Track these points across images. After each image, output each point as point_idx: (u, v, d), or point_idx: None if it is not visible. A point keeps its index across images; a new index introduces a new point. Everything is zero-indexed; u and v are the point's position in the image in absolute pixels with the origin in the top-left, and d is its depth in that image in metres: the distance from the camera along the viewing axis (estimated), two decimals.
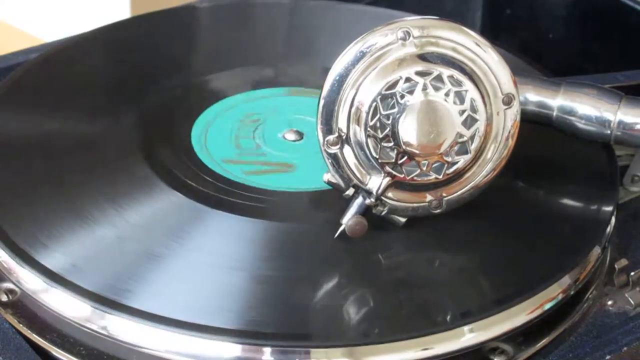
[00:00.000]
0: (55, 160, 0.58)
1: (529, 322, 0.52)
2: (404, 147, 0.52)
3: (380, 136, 0.52)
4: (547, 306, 0.52)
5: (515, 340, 0.52)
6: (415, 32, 0.52)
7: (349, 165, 0.53)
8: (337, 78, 0.52)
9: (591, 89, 0.58)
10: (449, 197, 0.54)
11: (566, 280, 0.53)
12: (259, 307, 0.50)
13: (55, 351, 0.51)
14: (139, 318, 0.49)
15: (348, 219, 0.53)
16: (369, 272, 0.53)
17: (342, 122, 0.52)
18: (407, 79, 0.51)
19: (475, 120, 0.52)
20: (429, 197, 0.54)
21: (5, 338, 0.51)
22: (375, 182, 0.53)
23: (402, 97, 0.51)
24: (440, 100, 0.51)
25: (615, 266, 0.57)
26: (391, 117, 0.52)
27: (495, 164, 0.54)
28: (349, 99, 0.52)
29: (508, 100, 0.53)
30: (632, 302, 0.55)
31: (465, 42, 0.52)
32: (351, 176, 0.53)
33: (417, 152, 0.52)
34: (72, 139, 0.60)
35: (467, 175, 0.54)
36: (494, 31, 0.83)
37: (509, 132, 0.54)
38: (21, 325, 0.52)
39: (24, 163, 0.58)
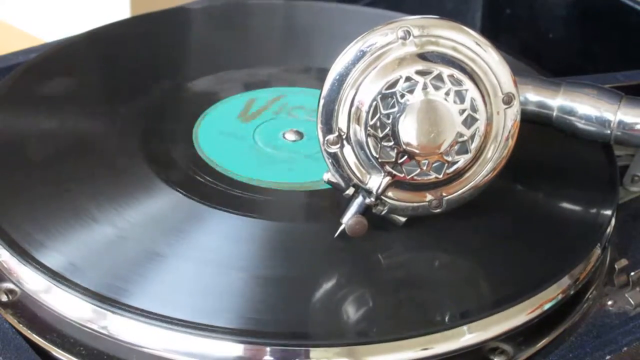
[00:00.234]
0: (55, 160, 0.58)
1: (529, 322, 0.52)
2: (404, 146, 0.52)
3: (381, 135, 0.52)
4: (547, 306, 0.52)
5: (515, 340, 0.52)
6: (416, 32, 0.52)
7: (349, 165, 0.53)
8: (337, 77, 0.52)
9: (591, 89, 0.58)
10: (449, 196, 0.54)
11: (566, 281, 0.53)
12: (259, 306, 0.50)
13: (55, 351, 0.51)
14: (139, 317, 0.49)
15: (348, 218, 0.53)
16: (368, 271, 0.53)
17: (342, 122, 0.52)
18: (407, 78, 0.51)
19: (475, 120, 0.52)
20: (429, 197, 0.54)
21: (5, 338, 0.51)
22: (375, 181, 0.53)
23: (402, 96, 0.51)
24: (441, 100, 0.51)
25: (615, 266, 0.57)
26: (391, 117, 0.52)
27: (496, 163, 0.54)
28: (349, 98, 0.52)
29: (508, 100, 0.53)
30: (632, 302, 0.55)
31: (465, 42, 0.52)
32: (351, 175, 0.53)
33: (417, 151, 0.52)
34: (71, 139, 0.60)
35: (467, 174, 0.54)
36: (494, 31, 0.83)
37: (509, 131, 0.53)
38: (21, 325, 0.52)
39: (24, 163, 0.58)
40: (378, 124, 0.52)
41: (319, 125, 0.52)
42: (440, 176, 0.53)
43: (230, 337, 0.48)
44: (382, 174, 0.52)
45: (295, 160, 0.60)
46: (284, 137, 0.61)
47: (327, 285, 0.51)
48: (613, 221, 0.57)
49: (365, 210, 0.53)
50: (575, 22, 0.79)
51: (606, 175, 0.59)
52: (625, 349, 0.52)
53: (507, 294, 0.51)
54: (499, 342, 0.51)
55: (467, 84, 0.52)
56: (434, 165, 0.52)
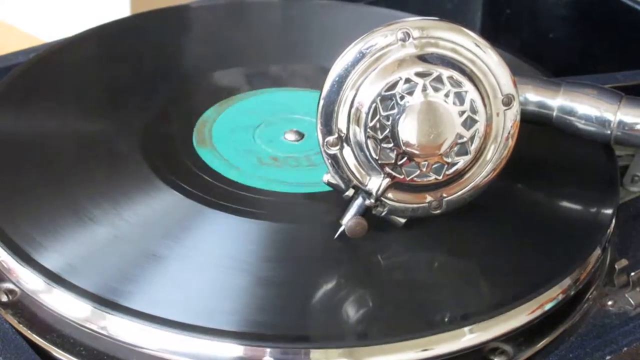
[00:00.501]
0: (55, 160, 0.58)
1: (529, 322, 0.52)
2: (403, 148, 0.52)
3: (380, 137, 0.52)
4: (548, 306, 0.52)
5: (515, 341, 0.52)
6: (415, 33, 0.52)
7: (348, 166, 0.53)
8: (337, 79, 0.52)
9: (591, 89, 0.58)
10: (449, 197, 0.54)
11: (566, 281, 0.53)
12: (259, 308, 0.50)
13: (55, 351, 0.51)
14: (139, 318, 0.49)
15: (348, 219, 0.53)
16: (368, 272, 0.53)
17: (341, 123, 0.52)
18: (407, 80, 0.51)
19: (475, 121, 0.52)
20: (428, 198, 0.54)
21: (5, 338, 0.51)
22: (375, 182, 0.53)
23: (402, 98, 0.51)
24: (440, 101, 0.51)
25: (616, 266, 0.57)
26: (391, 118, 0.52)
27: (495, 164, 0.54)
28: (348, 99, 0.52)
29: (508, 101, 0.53)
30: (632, 302, 0.55)
31: (464, 43, 0.52)
32: (351, 177, 0.53)
33: (417, 152, 0.52)
34: (71, 139, 0.60)
35: (467, 175, 0.54)
36: (494, 31, 0.83)
37: (509, 132, 0.53)
38: (21, 325, 0.52)
39: (23, 163, 0.58)
40: (378, 125, 0.52)
41: (319, 127, 0.52)
42: (440, 177, 0.53)
43: (230, 339, 0.48)
44: (382, 175, 0.52)
45: (295, 160, 0.60)
46: (284, 137, 0.61)
47: (327, 287, 0.51)
48: (613, 221, 0.57)
49: (365, 212, 0.53)
50: (575, 22, 0.79)
51: (606, 175, 0.59)
52: (625, 349, 0.52)
53: (507, 295, 0.51)
54: (500, 342, 0.51)
55: (467, 85, 0.52)
56: (433, 166, 0.52)
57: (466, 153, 0.53)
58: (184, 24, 0.73)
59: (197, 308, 0.50)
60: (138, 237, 0.53)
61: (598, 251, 0.55)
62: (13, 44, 0.90)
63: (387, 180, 0.52)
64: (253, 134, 0.62)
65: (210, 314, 0.49)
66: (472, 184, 0.54)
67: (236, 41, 0.70)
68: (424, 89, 0.51)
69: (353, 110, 0.52)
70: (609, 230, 0.56)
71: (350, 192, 0.53)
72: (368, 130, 0.52)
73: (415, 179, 0.53)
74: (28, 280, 0.52)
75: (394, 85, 0.51)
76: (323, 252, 0.53)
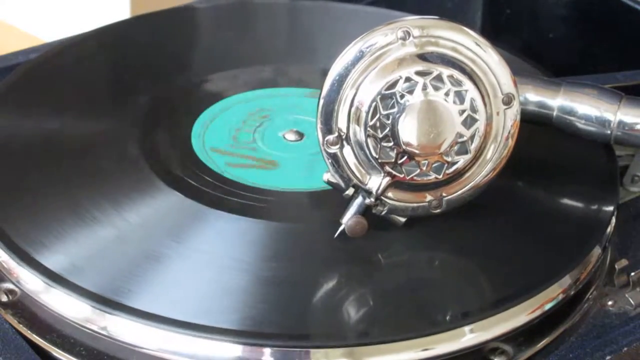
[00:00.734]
0: (55, 160, 0.58)
1: (529, 322, 0.52)
2: (403, 146, 0.52)
3: (380, 136, 0.52)
4: (548, 306, 0.52)
5: (515, 341, 0.52)
6: (415, 32, 0.52)
7: (348, 165, 0.53)
8: (337, 78, 0.52)
9: (591, 89, 0.58)
10: (449, 197, 0.54)
11: (566, 281, 0.53)
12: (259, 307, 0.50)
13: (55, 351, 0.51)
14: (139, 318, 0.49)
15: (348, 218, 0.53)
16: (368, 272, 0.52)
17: (341, 122, 0.52)
18: (407, 79, 0.51)
19: (475, 120, 0.52)
20: (428, 197, 0.54)
21: (5, 338, 0.51)
22: (375, 182, 0.53)
23: (402, 96, 0.51)
24: (440, 100, 0.51)
25: (616, 266, 0.56)
26: (391, 117, 0.52)
27: (495, 163, 0.54)
28: (348, 98, 0.52)
29: (508, 100, 0.53)
30: (632, 302, 0.55)
31: (465, 42, 0.52)
32: (351, 176, 0.53)
33: (417, 151, 0.52)
34: (72, 139, 0.60)
35: (467, 175, 0.54)
36: (494, 31, 0.83)
37: (509, 132, 0.53)
38: (21, 325, 0.52)
39: (24, 163, 0.58)
40: (378, 124, 0.52)
41: (319, 126, 0.52)
42: (440, 176, 0.53)
43: (230, 338, 0.48)
44: (382, 174, 0.52)
45: (295, 160, 0.60)
46: (284, 137, 0.61)
47: (327, 286, 0.51)
48: (613, 221, 0.57)
49: (365, 211, 0.53)
50: (575, 22, 0.79)
51: (606, 175, 0.59)
52: (625, 349, 0.52)
53: (507, 294, 0.51)
54: (500, 342, 0.51)
55: (467, 84, 0.52)
56: (433, 165, 0.52)
57: (466, 152, 0.53)
58: (183, 25, 0.73)
59: (197, 307, 0.50)
60: (138, 237, 0.53)
61: (598, 250, 0.55)
62: (13, 44, 0.90)
63: (387, 179, 0.52)
64: (253, 134, 0.62)
65: (211, 313, 0.49)
66: (472, 183, 0.54)
67: (236, 42, 0.70)
68: (424, 87, 0.51)
69: (353, 109, 0.52)
70: (608, 230, 0.56)
71: (350, 191, 0.53)
72: (368, 129, 0.52)
73: (415, 178, 0.53)
74: (28, 280, 0.52)
75: (394, 84, 0.51)
76: (323, 251, 0.53)
